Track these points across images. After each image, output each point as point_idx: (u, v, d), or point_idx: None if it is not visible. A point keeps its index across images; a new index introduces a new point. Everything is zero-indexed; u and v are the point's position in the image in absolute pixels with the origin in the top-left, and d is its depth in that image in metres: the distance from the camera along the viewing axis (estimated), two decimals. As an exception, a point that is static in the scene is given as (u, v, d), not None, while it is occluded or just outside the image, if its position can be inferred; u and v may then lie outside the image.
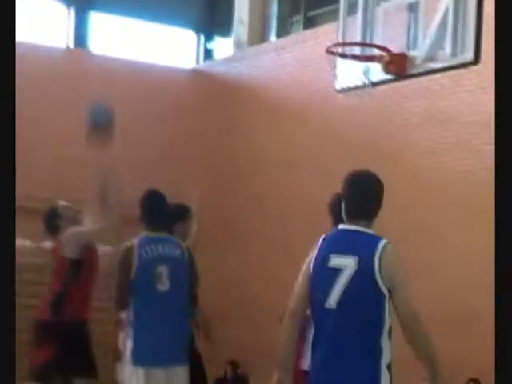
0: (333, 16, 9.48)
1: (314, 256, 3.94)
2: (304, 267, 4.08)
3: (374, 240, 3.83)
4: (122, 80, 11.33)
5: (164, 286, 5.41)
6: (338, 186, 5.23)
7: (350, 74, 8.91)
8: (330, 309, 3.79)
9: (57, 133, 10.67)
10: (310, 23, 11.32)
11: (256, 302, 9.88)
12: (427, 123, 9.03)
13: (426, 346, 3.77)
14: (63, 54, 11.74)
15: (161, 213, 5.51)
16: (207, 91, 11.68)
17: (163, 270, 5.42)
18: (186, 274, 5.55)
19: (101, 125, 6.06)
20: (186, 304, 5.54)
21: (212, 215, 9.00)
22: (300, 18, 11.56)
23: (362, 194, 3.93)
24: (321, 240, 4.00)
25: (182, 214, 6.00)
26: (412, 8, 8.33)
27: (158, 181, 6.80)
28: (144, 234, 5.44)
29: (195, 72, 12.20)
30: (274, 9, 11.65)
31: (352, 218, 3.91)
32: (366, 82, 8.73)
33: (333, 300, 3.79)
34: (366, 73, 8.74)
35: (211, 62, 12.91)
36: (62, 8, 12.88)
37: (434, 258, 8.34)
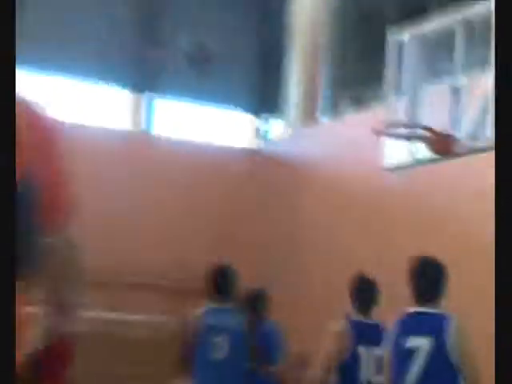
0: (379, 96, 10.06)
1: (391, 338, 4.47)
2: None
3: (444, 318, 4.32)
4: (184, 161, 12.16)
5: (221, 354, 5.72)
6: (383, 263, 5.68)
7: (397, 152, 9.55)
8: None
9: (122, 214, 11.46)
10: (357, 103, 11.97)
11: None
12: (474, 199, 9.28)
13: None
14: (128, 137, 12.63)
15: (231, 287, 5.88)
16: (263, 170, 12.29)
17: (221, 340, 5.73)
18: (244, 343, 5.88)
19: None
20: (243, 372, 5.85)
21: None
22: (348, 98, 12.29)
23: (431, 280, 4.50)
24: (395, 322, 4.54)
25: (257, 305, 6.33)
26: (455, 91, 8.89)
27: (217, 255, 7.36)
28: (209, 304, 5.84)
29: (252, 152, 12.95)
30: (324, 91, 12.43)
31: (422, 301, 4.45)
32: (412, 160, 9.38)
33: (411, 379, 4.25)
34: (412, 152, 9.39)
35: (267, 142, 13.74)
36: (127, 94, 14.04)
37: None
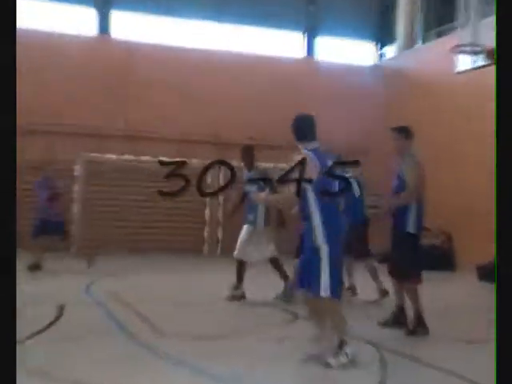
0: (452, 30, 14.92)
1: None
2: None
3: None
4: (320, 79, 17.63)
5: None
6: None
7: (463, 62, 13.56)
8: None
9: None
10: (439, 34, 17.34)
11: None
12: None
13: None
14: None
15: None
16: (382, 77, 18.35)
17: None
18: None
19: None
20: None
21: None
22: (433, 31, 17.95)
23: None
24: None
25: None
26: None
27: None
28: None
29: (375, 67, 19.29)
30: (419, 26, 18.19)
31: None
32: (473, 66, 13.39)
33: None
34: (473, 61, 13.39)
35: (385, 59, 19.58)
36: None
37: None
